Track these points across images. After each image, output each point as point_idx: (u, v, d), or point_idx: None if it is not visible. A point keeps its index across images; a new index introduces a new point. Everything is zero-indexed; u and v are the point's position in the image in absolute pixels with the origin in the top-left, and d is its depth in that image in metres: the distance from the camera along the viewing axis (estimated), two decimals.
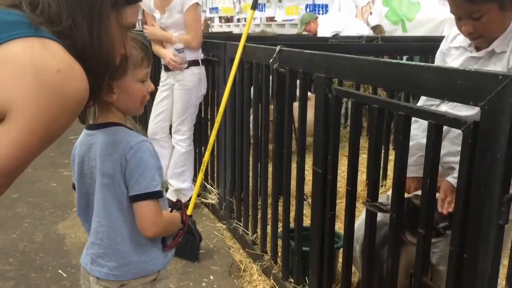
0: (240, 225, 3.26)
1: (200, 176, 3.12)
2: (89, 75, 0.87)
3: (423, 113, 1.51)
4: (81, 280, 1.56)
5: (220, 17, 15.70)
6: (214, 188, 3.81)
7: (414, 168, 1.93)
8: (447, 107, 1.82)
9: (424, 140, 1.93)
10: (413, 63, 1.47)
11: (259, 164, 2.99)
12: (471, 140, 1.31)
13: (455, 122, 1.37)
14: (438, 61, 2.02)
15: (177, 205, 1.57)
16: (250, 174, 3.10)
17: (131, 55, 1.25)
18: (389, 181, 4.12)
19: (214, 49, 3.55)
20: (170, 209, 1.52)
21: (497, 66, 1.75)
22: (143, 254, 1.43)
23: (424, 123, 1.86)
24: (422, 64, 1.47)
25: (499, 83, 1.21)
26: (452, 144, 1.82)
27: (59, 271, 2.92)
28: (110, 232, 1.41)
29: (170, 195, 3.59)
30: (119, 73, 1.18)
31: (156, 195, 1.37)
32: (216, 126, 3.03)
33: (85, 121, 1.37)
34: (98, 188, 1.39)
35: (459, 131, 1.77)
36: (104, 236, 1.42)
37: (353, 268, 2.31)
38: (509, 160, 1.21)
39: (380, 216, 2.12)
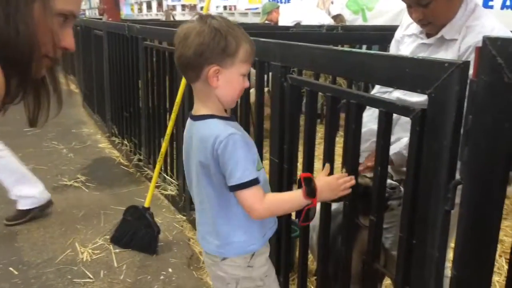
0: None
1: (158, 167, 3.06)
2: (10, 69, 0.81)
3: (374, 101, 1.51)
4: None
5: (183, 6, 15.46)
6: (173, 179, 3.75)
7: (367, 154, 1.95)
8: (399, 94, 1.84)
9: (376, 127, 1.96)
10: (363, 51, 1.47)
11: None
12: (419, 128, 1.32)
13: (404, 110, 1.38)
14: (392, 49, 2.04)
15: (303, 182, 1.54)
16: None
17: (245, 49, 1.42)
18: None
19: (169, 38, 3.47)
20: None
21: (448, 53, 1.78)
22: (244, 235, 1.54)
23: (376, 111, 1.88)
24: (372, 52, 1.47)
25: (445, 70, 1.22)
26: (403, 131, 1.84)
27: (10, 268, 2.82)
28: (211, 215, 1.53)
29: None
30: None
31: (250, 184, 1.42)
32: (173, 116, 2.98)
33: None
34: (198, 176, 1.50)
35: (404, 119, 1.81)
36: (207, 218, 1.55)
37: (312, 256, 2.33)
38: (454, 147, 1.23)
39: (335, 204, 2.14)
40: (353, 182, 1.59)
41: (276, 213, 1.56)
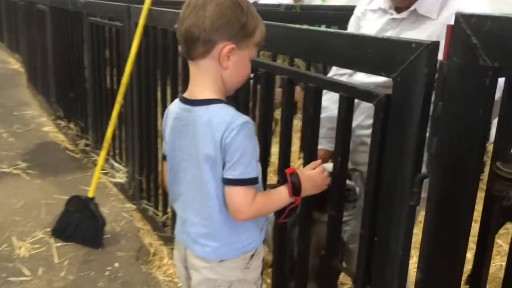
0: (151, 206, 3.04)
1: (103, 153, 2.84)
2: None
3: (334, 85, 1.38)
4: (176, 253, 1.54)
5: None
6: (122, 166, 3.53)
7: (323, 141, 1.82)
8: (363, 76, 1.71)
9: (335, 113, 1.83)
10: (322, 29, 1.32)
11: None
12: (383, 115, 1.20)
13: (366, 95, 1.26)
14: (351, 26, 1.89)
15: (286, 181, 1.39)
16: (159, 148, 2.87)
17: (261, 30, 1.29)
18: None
19: (116, 13, 3.22)
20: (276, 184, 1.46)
21: (422, 33, 1.60)
22: (243, 233, 1.39)
23: (336, 95, 1.75)
24: (332, 30, 1.33)
25: (412, 52, 1.09)
26: (364, 117, 1.73)
27: None
28: (212, 213, 1.34)
29: None
30: None
31: (249, 182, 1.28)
32: (119, 98, 2.75)
33: None
34: (199, 170, 1.31)
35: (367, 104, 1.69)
36: (207, 217, 1.36)
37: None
38: (421, 136, 1.11)
39: None
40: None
41: (259, 216, 1.38)
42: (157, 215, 2.97)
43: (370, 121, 1.74)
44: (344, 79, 1.82)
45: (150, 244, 2.86)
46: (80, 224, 2.82)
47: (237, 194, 1.28)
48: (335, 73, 1.84)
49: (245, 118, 1.28)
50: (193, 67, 1.32)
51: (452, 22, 1.54)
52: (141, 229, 3.03)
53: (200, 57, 1.28)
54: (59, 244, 2.81)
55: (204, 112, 1.29)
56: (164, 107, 2.73)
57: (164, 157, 1.50)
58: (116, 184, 3.58)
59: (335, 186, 1.41)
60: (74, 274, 2.54)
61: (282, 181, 1.43)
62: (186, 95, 1.35)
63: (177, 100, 1.39)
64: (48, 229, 2.94)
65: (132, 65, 2.78)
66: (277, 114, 1.91)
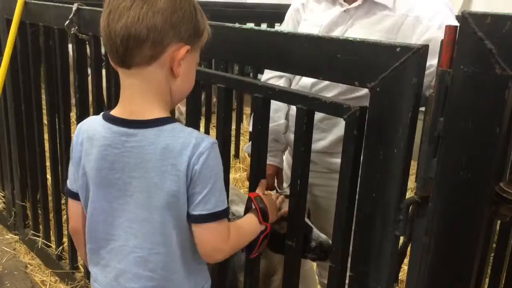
0: (39, 236, 2.57)
1: None
2: None
3: (290, 96, 1.17)
4: None
5: None
6: None
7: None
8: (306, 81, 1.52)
9: (276, 124, 1.63)
10: (278, 30, 1.11)
11: (59, 152, 2.31)
12: (357, 132, 1.02)
13: (334, 107, 1.07)
14: (289, 20, 1.67)
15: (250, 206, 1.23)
16: (48, 166, 2.41)
17: (208, 29, 1.06)
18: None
19: None
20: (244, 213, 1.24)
21: (377, 25, 1.43)
22: (197, 277, 1.16)
23: (277, 102, 1.55)
24: (288, 32, 1.11)
25: (396, 57, 0.92)
26: (321, 130, 1.54)
27: None
28: (168, 262, 1.08)
29: None
30: None
31: (224, 214, 1.06)
32: None
33: None
34: (153, 210, 1.03)
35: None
36: (159, 266, 1.07)
37: None
38: (408, 156, 0.95)
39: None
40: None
41: (235, 251, 1.16)
42: (49, 246, 2.51)
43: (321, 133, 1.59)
44: (282, 83, 1.63)
45: (42, 282, 2.41)
46: None
47: (213, 232, 1.05)
48: (270, 77, 1.64)
49: (210, 138, 1.04)
50: (129, 78, 1.01)
51: (413, 15, 1.44)
52: (29, 265, 2.54)
53: (144, 63, 0.97)
54: None
55: (155, 136, 1.00)
56: (52, 118, 2.30)
57: (72, 194, 1.16)
58: None
59: (295, 211, 1.21)
60: None
61: (247, 207, 1.23)
62: (120, 114, 1.04)
63: (100, 120, 1.06)
64: None
65: (5, 72, 2.29)
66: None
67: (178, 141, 1.00)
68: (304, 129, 1.13)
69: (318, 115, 1.58)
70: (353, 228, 1.07)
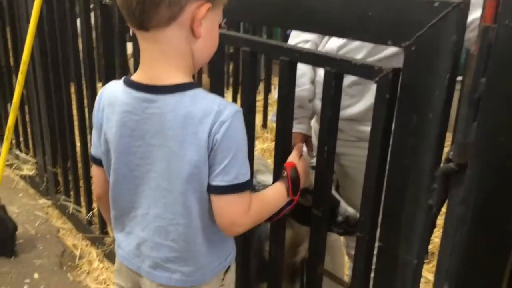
0: (70, 201, 2.62)
1: (6, 145, 2.34)
2: None
3: (317, 58, 1.10)
4: (120, 282, 1.20)
5: None
6: (30, 157, 3.03)
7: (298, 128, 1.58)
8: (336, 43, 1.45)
9: (300, 89, 1.58)
10: None
11: (87, 119, 2.31)
12: (389, 95, 0.96)
13: (364, 70, 1.00)
14: None
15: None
16: (77, 134, 2.43)
17: None
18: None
19: None
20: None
21: None
22: (220, 248, 1.13)
23: (301, 67, 1.49)
24: None
25: (434, 13, 0.85)
26: (345, 99, 1.48)
27: None
28: (189, 233, 1.05)
29: None
30: None
31: (245, 187, 1.00)
32: (20, 79, 2.26)
33: None
34: (174, 180, 1.00)
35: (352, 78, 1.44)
36: (181, 237, 1.05)
37: None
38: (444, 122, 0.89)
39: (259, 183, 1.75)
40: None
41: (255, 224, 1.10)
42: (80, 212, 2.56)
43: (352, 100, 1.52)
44: (303, 45, 1.56)
45: (74, 245, 2.47)
46: None
47: (232, 204, 1.00)
48: (296, 41, 1.57)
49: (234, 106, 0.98)
50: (148, 41, 0.96)
51: None
52: (61, 229, 2.61)
53: (162, 25, 0.92)
54: None
55: (177, 102, 0.96)
56: (79, 85, 2.30)
57: (95, 161, 1.14)
58: (24, 178, 3.07)
59: (321, 180, 1.17)
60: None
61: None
62: (140, 79, 0.99)
63: (121, 85, 1.02)
64: None
65: (33, 38, 2.29)
66: None
67: (199, 108, 0.95)
68: (332, 94, 1.07)
69: (346, 80, 1.52)
70: (383, 196, 1.03)
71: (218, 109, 0.95)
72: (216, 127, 0.94)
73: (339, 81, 1.07)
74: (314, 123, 1.73)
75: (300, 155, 1.21)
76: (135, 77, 1.00)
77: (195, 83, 1.00)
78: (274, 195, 1.12)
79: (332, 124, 1.11)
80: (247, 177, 1.00)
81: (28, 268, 2.28)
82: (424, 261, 0.97)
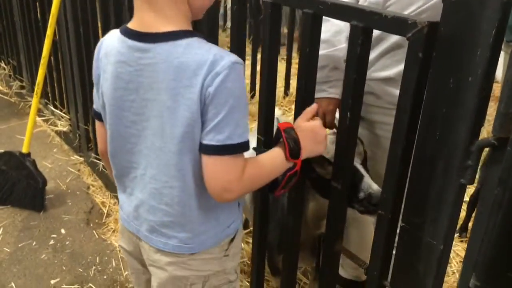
0: (100, 159, 2.62)
1: (35, 100, 2.34)
2: None
3: (344, 10, 0.97)
4: (124, 245, 1.16)
5: None
6: (64, 113, 3.04)
7: (324, 86, 1.45)
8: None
9: (335, 48, 1.44)
10: None
11: None
12: (423, 54, 0.82)
13: (395, 23, 0.86)
14: None
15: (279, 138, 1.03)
16: None
17: None
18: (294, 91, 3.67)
19: None
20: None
21: None
22: (221, 215, 1.05)
23: (338, 24, 1.35)
24: None
25: None
26: (386, 58, 1.34)
27: None
28: (183, 196, 0.98)
29: None
30: None
31: (240, 149, 0.91)
32: (49, 32, 2.22)
33: None
34: (166, 137, 0.92)
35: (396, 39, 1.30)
36: (175, 201, 0.98)
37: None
38: (487, 87, 0.75)
39: None
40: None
41: (248, 192, 1.06)
42: None
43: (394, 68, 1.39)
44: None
45: (102, 203, 2.47)
46: (16, 184, 2.39)
47: (224, 167, 0.91)
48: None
49: (232, 56, 0.88)
50: None
51: None
52: (91, 186, 2.62)
53: None
54: None
55: (170, 51, 0.87)
56: None
57: (96, 115, 1.07)
58: (59, 133, 3.10)
59: (343, 147, 1.05)
60: (11, 246, 2.13)
61: (274, 140, 1.05)
62: (134, 26, 0.91)
63: (117, 33, 0.94)
64: None
65: None
66: None
67: (193, 58, 0.85)
68: (358, 52, 0.94)
69: (387, 42, 1.37)
70: (409, 171, 0.90)
71: (213, 59, 0.85)
72: (209, 79, 0.85)
73: (367, 37, 0.94)
74: None
75: (312, 117, 1.08)
76: (130, 24, 0.92)
77: (192, 31, 0.90)
78: (270, 159, 1.01)
79: (357, 87, 0.99)
80: (243, 139, 0.90)
81: (55, 223, 2.31)
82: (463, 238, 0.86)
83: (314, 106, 1.10)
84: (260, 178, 0.99)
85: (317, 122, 1.07)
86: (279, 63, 4.14)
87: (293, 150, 1.00)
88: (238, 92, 0.88)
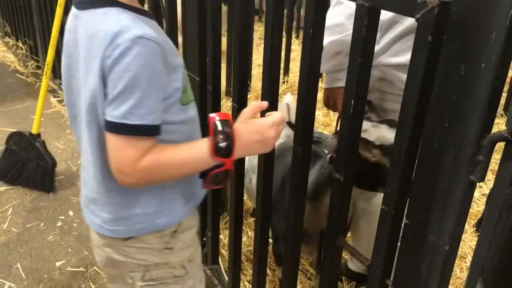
0: None
1: (45, 81, 2.33)
2: None
3: None
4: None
5: None
6: None
7: (340, 75, 1.38)
8: None
9: (350, 33, 1.36)
10: None
11: None
12: (433, 37, 0.74)
13: (404, 3, 0.79)
14: None
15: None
16: None
17: None
18: (292, 76, 3.61)
19: None
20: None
21: None
22: (150, 203, 0.99)
23: (352, 7, 1.27)
24: None
25: None
26: (401, 43, 1.27)
27: None
28: (97, 174, 0.95)
29: None
30: None
31: (137, 131, 0.84)
32: (59, 12, 2.19)
33: None
34: (83, 108, 0.91)
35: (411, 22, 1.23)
36: (93, 178, 0.97)
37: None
38: (501, 74, 0.67)
39: (283, 138, 1.60)
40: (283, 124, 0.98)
41: (157, 182, 0.94)
42: None
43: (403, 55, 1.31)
44: None
45: None
46: (26, 164, 2.39)
47: (119, 147, 0.85)
48: None
49: (141, 30, 0.82)
50: None
51: None
52: None
53: None
54: (2, 188, 2.39)
55: (89, 19, 0.87)
56: None
57: None
58: None
59: (347, 138, 0.98)
60: (19, 226, 2.14)
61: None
62: None
63: None
64: None
65: None
66: None
67: (103, 28, 0.83)
68: (363, 34, 0.87)
69: (399, 29, 1.29)
70: (415, 164, 0.84)
71: (118, 31, 0.81)
72: (109, 50, 0.81)
73: (373, 18, 0.86)
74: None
75: (249, 117, 0.96)
76: None
77: (117, 1, 0.86)
78: (187, 151, 0.91)
79: (362, 72, 0.91)
80: (144, 122, 0.83)
81: (64, 205, 2.31)
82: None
83: (264, 103, 1.02)
84: (168, 168, 0.89)
85: (266, 120, 0.95)
86: (297, 47, 4.07)
87: (220, 147, 0.89)
88: (139, 69, 0.81)
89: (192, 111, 1.01)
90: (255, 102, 1.00)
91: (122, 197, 0.97)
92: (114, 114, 0.83)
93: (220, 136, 0.89)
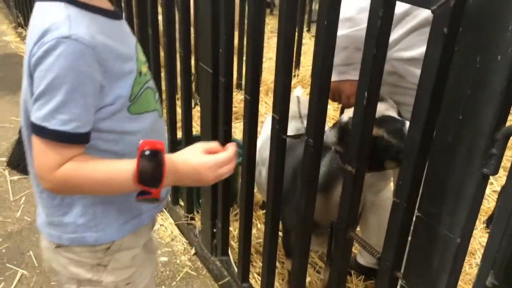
0: None
1: None
2: None
3: None
4: None
5: None
6: None
7: (347, 69, 1.37)
8: None
9: (359, 28, 1.35)
10: None
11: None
12: (448, 29, 0.74)
13: None
14: None
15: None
16: None
17: None
18: (303, 70, 3.60)
19: None
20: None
21: None
22: (83, 215, 0.94)
23: (363, 1, 1.27)
24: None
25: None
26: (412, 37, 1.26)
27: None
28: (32, 173, 0.95)
29: None
30: None
31: (54, 137, 0.80)
32: None
33: None
34: (22, 112, 0.91)
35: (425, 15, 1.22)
36: (31, 177, 0.97)
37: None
38: None
39: (293, 131, 1.61)
40: (233, 165, 0.93)
41: (79, 193, 0.91)
42: None
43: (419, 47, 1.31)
44: None
45: None
46: None
47: (37, 151, 0.82)
48: None
49: (75, 31, 0.79)
50: None
51: None
52: None
53: None
54: (15, 178, 2.42)
55: (34, 14, 0.86)
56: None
57: None
58: None
59: (357, 133, 0.98)
60: (32, 214, 2.17)
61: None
62: None
63: None
64: (3, 159, 2.53)
65: None
66: None
67: (37, 24, 0.81)
68: (378, 26, 0.87)
69: (413, 21, 1.28)
70: (428, 157, 0.84)
71: (47, 28, 0.78)
72: (36, 47, 0.79)
73: (388, 8, 0.86)
74: None
75: (205, 151, 0.91)
76: None
77: None
78: (111, 171, 0.85)
79: (376, 65, 0.91)
80: (65, 128, 0.80)
81: None
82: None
83: (214, 145, 0.94)
84: (87, 182, 0.85)
85: (207, 159, 0.89)
86: (308, 40, 4.05)
87: (144, 176, 0.83)
88: (62, 71, 0.78)
89: (148, 122, 0.95)
90: (213, 143, 0.94)
91: (54, 202, 0.94)
92: (36, 115, 0.81)
93: (145, 167, 0.83)
